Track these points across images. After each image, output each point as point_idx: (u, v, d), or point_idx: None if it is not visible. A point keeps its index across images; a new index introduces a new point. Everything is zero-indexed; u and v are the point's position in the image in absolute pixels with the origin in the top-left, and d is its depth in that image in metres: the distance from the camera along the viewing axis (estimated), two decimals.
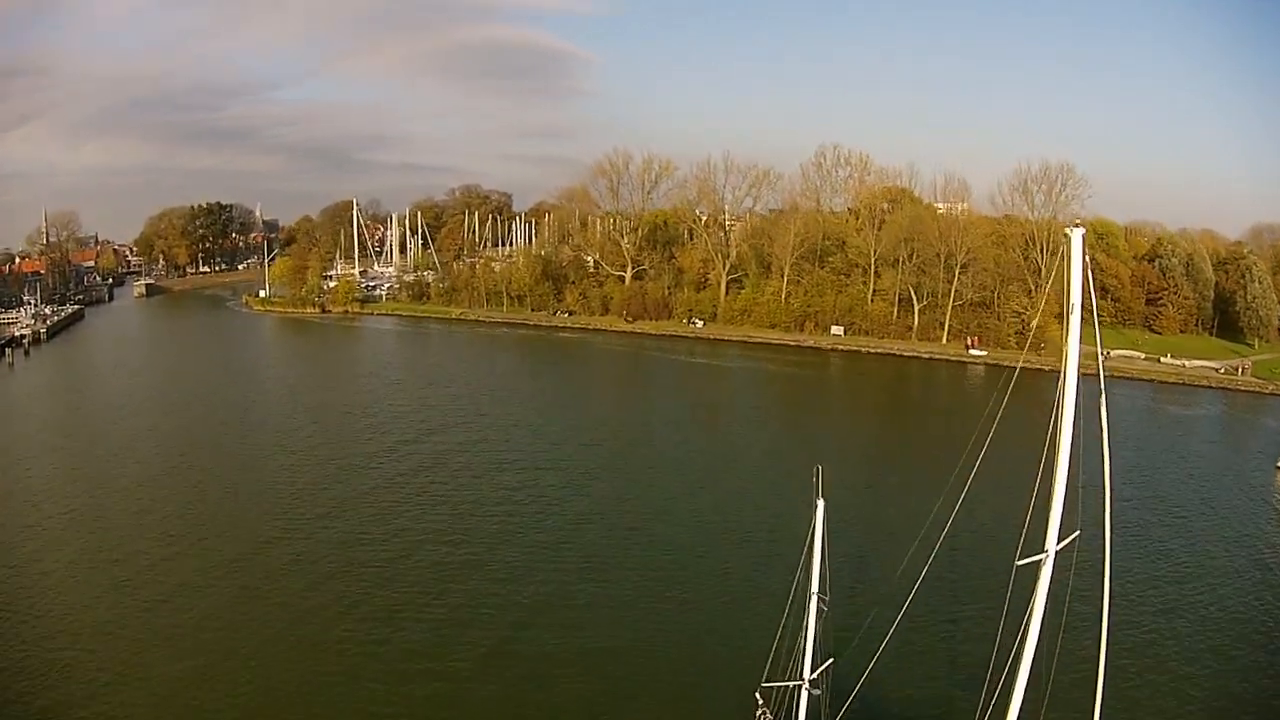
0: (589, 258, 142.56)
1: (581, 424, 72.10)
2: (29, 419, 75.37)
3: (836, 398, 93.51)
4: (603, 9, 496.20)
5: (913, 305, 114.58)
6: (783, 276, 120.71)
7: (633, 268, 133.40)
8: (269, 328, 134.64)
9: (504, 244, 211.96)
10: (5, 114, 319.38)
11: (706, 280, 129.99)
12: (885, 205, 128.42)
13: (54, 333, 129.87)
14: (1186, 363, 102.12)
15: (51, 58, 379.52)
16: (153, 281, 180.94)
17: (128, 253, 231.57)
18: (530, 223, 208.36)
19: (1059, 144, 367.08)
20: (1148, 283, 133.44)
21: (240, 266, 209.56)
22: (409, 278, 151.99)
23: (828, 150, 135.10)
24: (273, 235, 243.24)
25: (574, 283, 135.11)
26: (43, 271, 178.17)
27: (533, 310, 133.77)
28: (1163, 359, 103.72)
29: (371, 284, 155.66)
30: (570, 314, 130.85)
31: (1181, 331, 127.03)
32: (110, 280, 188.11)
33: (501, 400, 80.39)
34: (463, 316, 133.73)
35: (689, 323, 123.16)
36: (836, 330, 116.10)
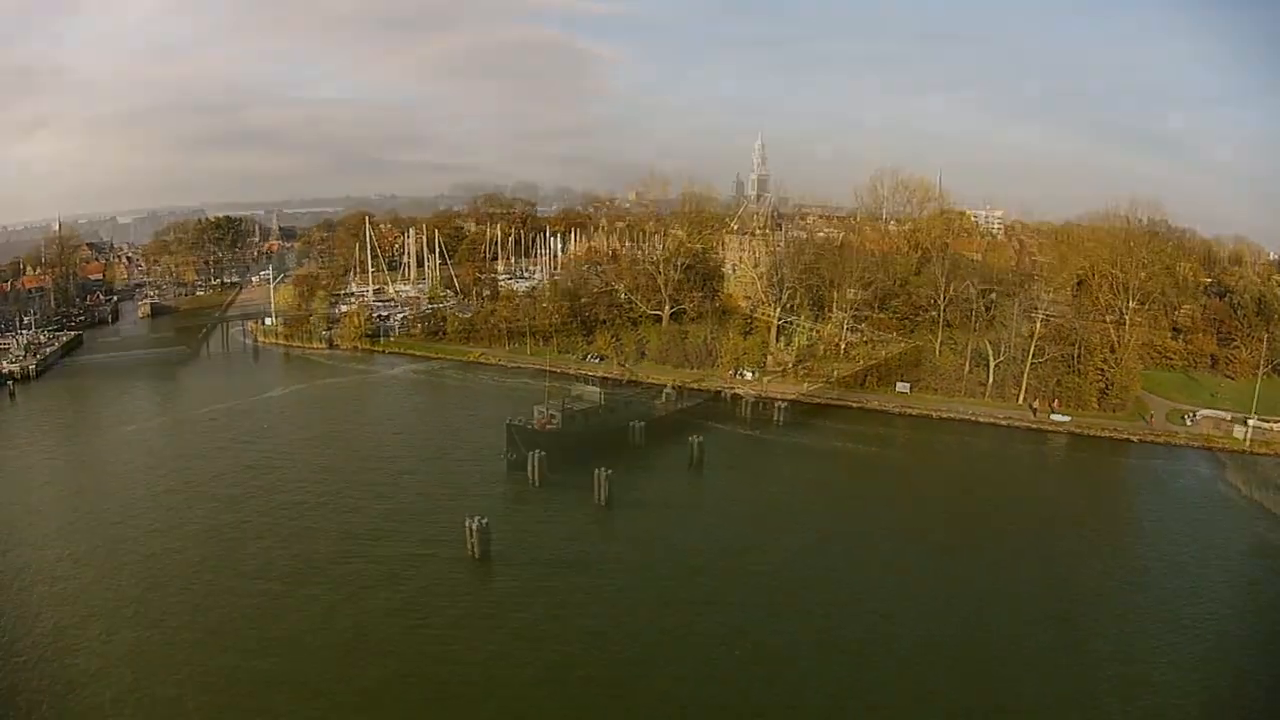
0: (619, 288, 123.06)
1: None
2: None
3: (918, 503, 69.45)
4: (626, 9, 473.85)
5: (988, 361, 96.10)
6: (841, 324, 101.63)
7: (670, 306, 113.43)
8: (271, 369, 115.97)
9: (529, 256, 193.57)
10: (25, 114, 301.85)
11: (753, 323, 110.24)
12: (948, 240, 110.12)
13: (45, 368, 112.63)
14: (1275, 425, 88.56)
15: (72, 57, 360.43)
16: (158, 301, 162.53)
17: (140, 260, 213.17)
18: (556, 235, 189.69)
19: (1097, 143, 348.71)
20: (1219, 322, 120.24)
21: (253, 280, 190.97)
22: (425, 308, 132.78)
23: (885, 175, 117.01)
24: (289, 245, 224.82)
25: (605, 322, 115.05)
26: (46, 286, 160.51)
27: (560, 353, 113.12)
28: (1249, 421, 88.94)
29: (384, 312, 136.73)
30: (601, 359, 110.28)
31: (1254, 374, 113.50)
32: (115, 297, 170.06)
33: None
34: (482, 359, 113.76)
35: (736, 374, 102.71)
36: (902, 387, 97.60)
